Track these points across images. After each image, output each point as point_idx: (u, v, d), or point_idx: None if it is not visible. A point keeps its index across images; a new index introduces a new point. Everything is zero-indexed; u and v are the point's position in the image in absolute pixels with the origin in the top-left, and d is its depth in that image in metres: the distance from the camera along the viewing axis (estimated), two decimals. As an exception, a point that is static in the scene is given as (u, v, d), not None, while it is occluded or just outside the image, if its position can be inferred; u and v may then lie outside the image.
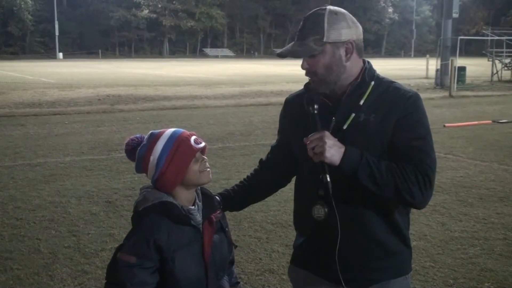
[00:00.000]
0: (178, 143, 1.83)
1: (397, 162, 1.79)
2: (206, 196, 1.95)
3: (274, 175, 2.17)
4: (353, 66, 1.87)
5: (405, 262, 1.98)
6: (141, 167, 1.88)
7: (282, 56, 1.89)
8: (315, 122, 1.82)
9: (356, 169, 1.75)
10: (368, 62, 1.92)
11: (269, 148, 2.23)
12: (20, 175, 7.16)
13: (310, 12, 1.87)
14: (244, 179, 2.21)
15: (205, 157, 1.89)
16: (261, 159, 2.22)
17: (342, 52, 1.83)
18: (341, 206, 1.83)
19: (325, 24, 1.80)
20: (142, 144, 1.88)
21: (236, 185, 2.20)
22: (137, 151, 1.88)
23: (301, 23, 1.86)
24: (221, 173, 7.22)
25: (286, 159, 2.09)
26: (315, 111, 1.83)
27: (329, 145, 1.73)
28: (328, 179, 1.77)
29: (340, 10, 1.85)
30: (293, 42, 1.87)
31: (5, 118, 12.96)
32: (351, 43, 1.84)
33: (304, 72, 1.89)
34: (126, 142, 1.92)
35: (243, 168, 7.60)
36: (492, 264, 4.27)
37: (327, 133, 1.76)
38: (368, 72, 1.89)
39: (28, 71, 33.73)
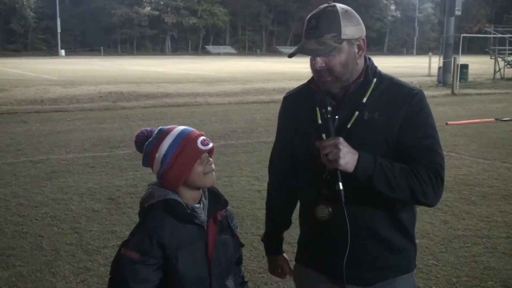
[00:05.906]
0: (184, 143, 1.81)
1: (406, 161, 1.77)
2: (212, 194, 1.92)
3: (288, 180, 2.09)
4: (361, 63, 1.86)
5: (410, 260, 1.97)
6: (147, 162, 1.88)
7: (292, 55, 1.85)
8: (328, 127, 1.78)
9: (371, 175, 1.73)
10: (370, 58, 1.91)
11: (271, 146, 2.17)
12: (22, 172, 7.16)
13: (319, 9, 1.82)
14: (271, 212, 2.20)
15: (211, 159, 1.86)
16: (268, 183, 2.19)
17: (355, 49, 1.82)
18: (348, 206, 1.80)
19: (341, 21, 1.78)
20: (150, 139, 1.87)
21: (271, 224, 2.21)
22: (144, 146, 1.88)
23: (313, 20, 1.80)
24: (224, 170, 7.21)
25: (291, 160, 2.03)
26: (329, 115, 1.78)
27: (343, 152, 1.69)
28: (341, 187, 1.74)
29: (348, 7, 1.84)
30: (305, 40, 1.82)
31: (8, 115, 12.97)
32: (362, 40, 1.83)
33: (309, 69, 1.85)
34: (136, 134, 1.91)
35: (245, 165, 7.60)
36: (495, 262, 4.26)
37: (341, 140, 1.71)
38: (370, 70, 1.87)
39: (30, 68, 33.76)
